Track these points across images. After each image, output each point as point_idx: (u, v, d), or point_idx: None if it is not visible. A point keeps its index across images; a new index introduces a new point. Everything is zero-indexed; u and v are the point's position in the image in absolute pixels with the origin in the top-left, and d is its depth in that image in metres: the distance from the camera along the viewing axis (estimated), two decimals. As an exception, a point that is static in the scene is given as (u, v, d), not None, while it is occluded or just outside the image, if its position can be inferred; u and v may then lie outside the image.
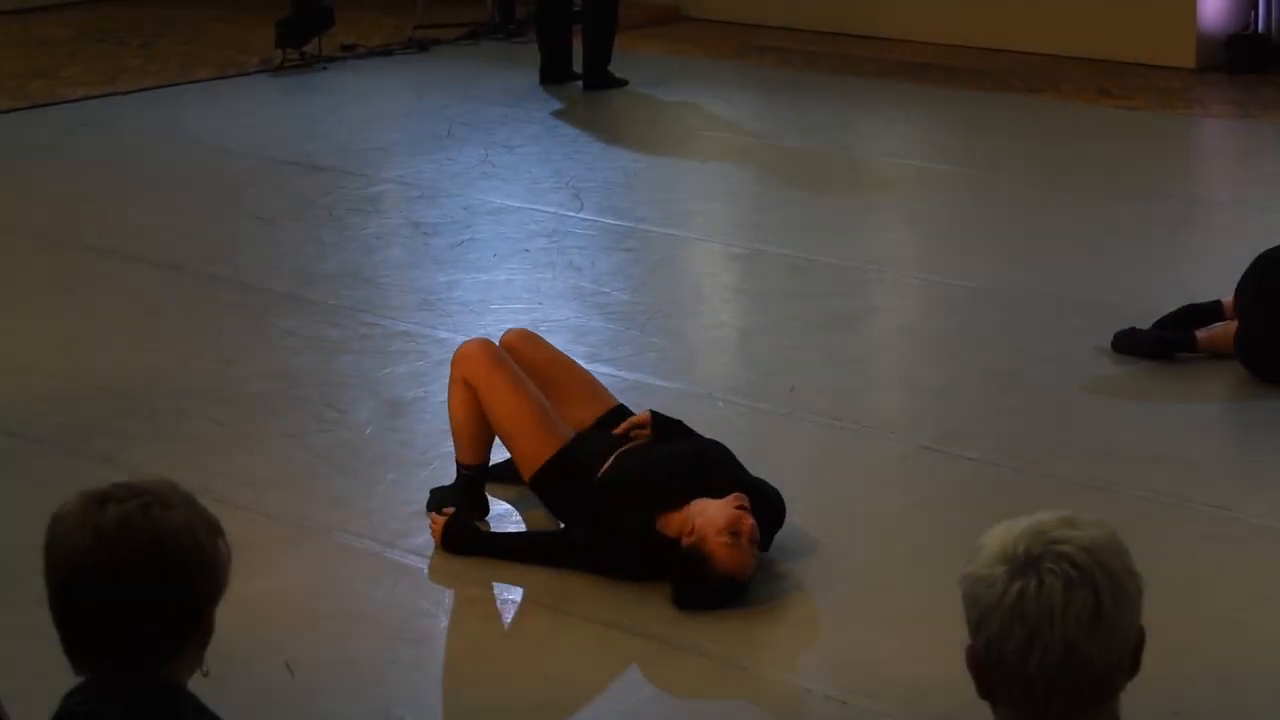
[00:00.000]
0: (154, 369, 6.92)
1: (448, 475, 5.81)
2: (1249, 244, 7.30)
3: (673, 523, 5.13)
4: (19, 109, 11.16)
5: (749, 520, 5.04)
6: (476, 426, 5.54)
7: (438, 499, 5.66)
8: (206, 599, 2.57)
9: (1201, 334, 6.76)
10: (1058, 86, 11.19)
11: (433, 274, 7.97)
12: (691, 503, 5.13)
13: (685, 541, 5.03)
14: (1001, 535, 2.37)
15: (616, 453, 5.39)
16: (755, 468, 5.42)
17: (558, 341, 6.99)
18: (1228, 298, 6.76)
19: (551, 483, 5.43)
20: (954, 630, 4.99)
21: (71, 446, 6.20)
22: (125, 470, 5.82)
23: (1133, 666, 2.38)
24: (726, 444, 5.44)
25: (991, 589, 2.33)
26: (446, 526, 5.34)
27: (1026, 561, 2.33)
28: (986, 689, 2.39)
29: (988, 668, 2.36)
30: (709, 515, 5.03)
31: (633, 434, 5.48)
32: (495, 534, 5.42)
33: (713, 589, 5.02)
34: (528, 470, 5.47)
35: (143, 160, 10.00)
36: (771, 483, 5.36)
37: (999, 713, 2.40)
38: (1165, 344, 6.75)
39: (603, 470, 5.35)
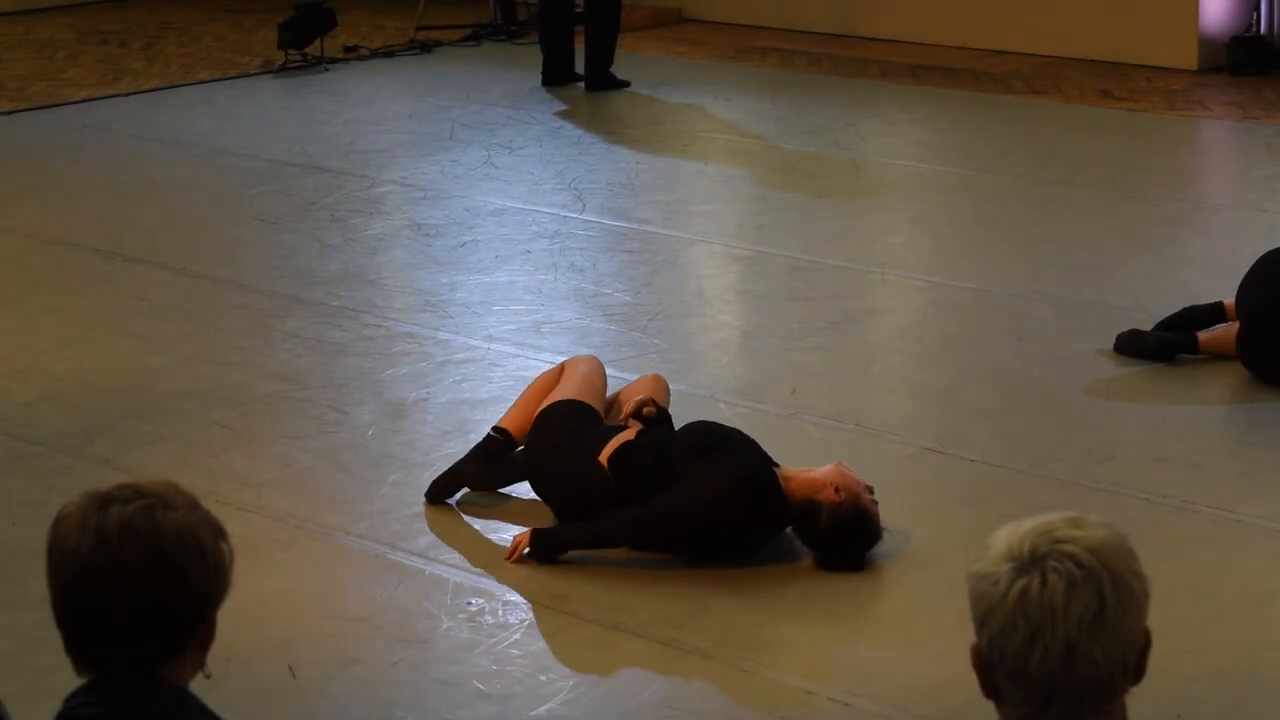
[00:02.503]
0: (156, 371, 6.92)
1: (450, 477, 5.85)
2: (1251, 245, 7.31)
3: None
4: (21, 110, 11.17)
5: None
6: (534, 402, 5.74)
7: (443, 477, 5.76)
8: (209, 601, 2.57)
9: (1203, 336, 6.76)
10: (1059, 88, 11.19)
11: (435, 275, 7.97)
12: (781, 466, 5.38)
13: (835, 498, 5.22)
14: (1008, 534, 2.37)
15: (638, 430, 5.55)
16: (757, 469, 5.44)
17: (560, 342, 7.01)
18: (1229, 299, 6.76)
19: (559, 418, 5.60)
20: (956, 632, 5.00)
21: (72, 448, 6.20)
22: (127, 472, 5.83)
23: (1138, 670, 2.37)
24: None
25: (995, 586, 2.33)
26: (534, 538, 5.35)
27: (1031, 560, 2.33)
28: (990, 688, 2.39)
29: (991, 666, 2.36)
30: (846, 476, 5.29)
31: (645, 410, 5.61)
32: (585, 525, 5.40)
33: (870, 540, 5.27)
34: (552, 399, 5.66)
35: (144, 162, 10.00)
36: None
37: (1002, 712, 2.40)
38: (1167, 346, 6.75)
39: (653, 441, 5.48)
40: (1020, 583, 2.31)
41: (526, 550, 5.34)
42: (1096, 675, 2.32)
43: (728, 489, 5.24)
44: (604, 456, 5.43)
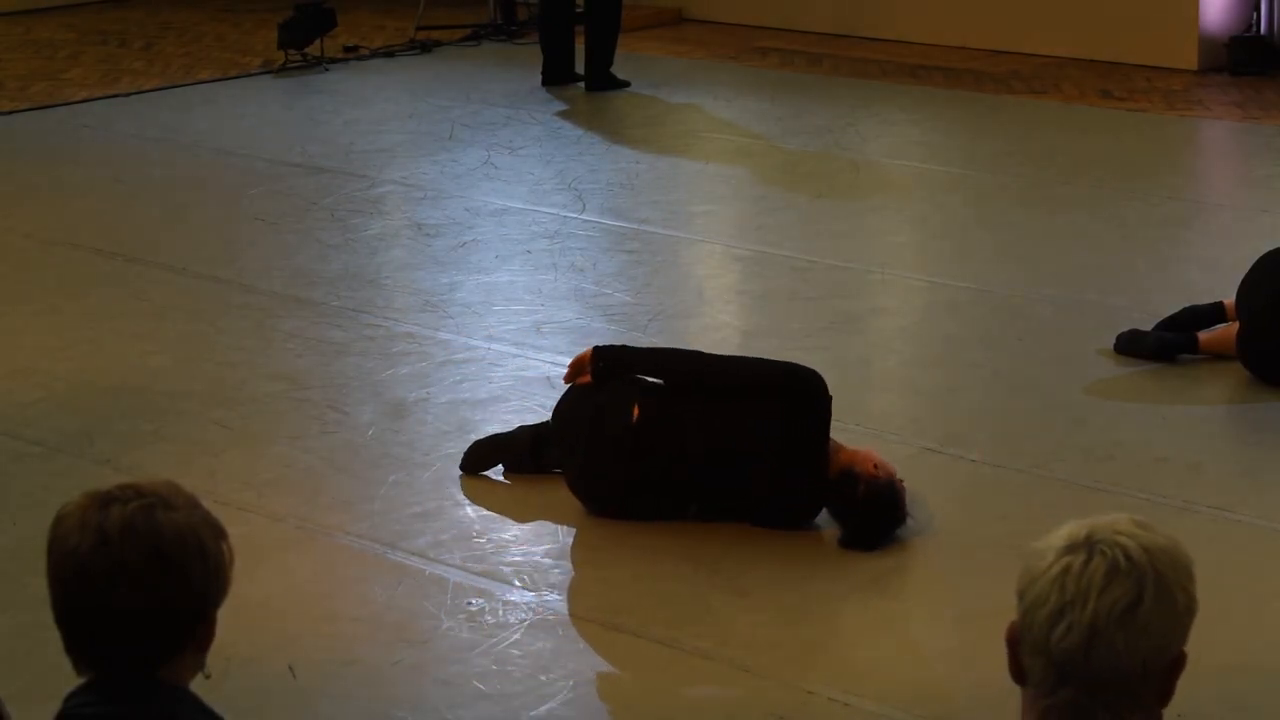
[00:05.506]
0: (156, 371, 6.92)
1: (450, 477, 5.84)
2: (1251, 245, 7.31)
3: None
4: (21, 110, 11.17)
5: None
6: None
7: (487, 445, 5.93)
8: (209, 601, 2.57)
9: (1203, 336, 6.76)
10: (1059, 88, 11.19)
11: (435, 275, 7.97)
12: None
13: (874, 472, 5.41)
14: (1075, 521, 2.41)
15: None
16: (757, 469, 5.47)
17: (560, 342, 7.02)
18: (1229, 299, 6.77)
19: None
20: (956, 632, 5.00)
21: (72, 448, 6.20)
22: (127, 472, 5.83)
23: (1163, 689, 2.37)
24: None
25: (1042, 560, 2.36)
26: (596, 354, 5.64)
27: (1084, 542, 2.35)
28: (1016, 666, 2.39)
29: (1020, 640, 2.37)
30: (880, 457, 5.49)
31: None
32: (649, 348, 5.90)
33: (897, 519, 5.43)
34: None
35: (144, 162, 10.00)
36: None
37: (1025, 694, 2.40)
38: (1167, 346, 6.75)
39: None
40: (1066, 558, 2.34)
41: (589, 369, 5.63)
42: (1115, 667, 2.32)
43: (797, 367, 5.62)
44: None
